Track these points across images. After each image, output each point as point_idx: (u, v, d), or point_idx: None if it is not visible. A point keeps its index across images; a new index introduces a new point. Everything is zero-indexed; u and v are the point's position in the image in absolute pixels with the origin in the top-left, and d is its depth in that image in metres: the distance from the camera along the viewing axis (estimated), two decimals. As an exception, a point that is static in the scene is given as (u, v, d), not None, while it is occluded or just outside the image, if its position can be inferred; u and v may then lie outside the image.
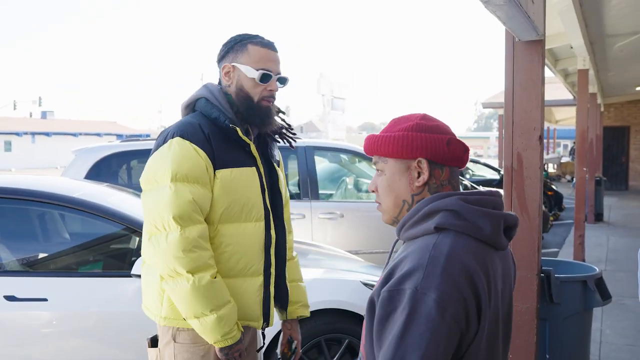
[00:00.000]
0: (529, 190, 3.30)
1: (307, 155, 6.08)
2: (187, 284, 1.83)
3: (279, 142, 2.26)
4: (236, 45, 2.07)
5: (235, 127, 1.99)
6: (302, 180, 6.02)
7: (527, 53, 3.26)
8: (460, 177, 9.49)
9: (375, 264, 4.97)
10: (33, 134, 48.17)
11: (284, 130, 2.23)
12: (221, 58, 2.11)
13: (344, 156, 6.89)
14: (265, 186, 2.08)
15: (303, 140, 6.28)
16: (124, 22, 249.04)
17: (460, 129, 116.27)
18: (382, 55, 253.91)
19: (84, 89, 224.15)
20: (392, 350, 1.20)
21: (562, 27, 6.97)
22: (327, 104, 39.46)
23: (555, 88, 21.48)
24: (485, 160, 15.31)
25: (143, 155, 6.19)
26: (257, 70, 2.04)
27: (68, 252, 3.63)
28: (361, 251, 5.98)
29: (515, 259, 3.32)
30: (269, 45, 2.09)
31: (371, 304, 1.31)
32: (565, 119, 30.70)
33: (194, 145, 1.90)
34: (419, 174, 1.39)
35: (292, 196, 6.13)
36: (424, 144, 1.37)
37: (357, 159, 6.75)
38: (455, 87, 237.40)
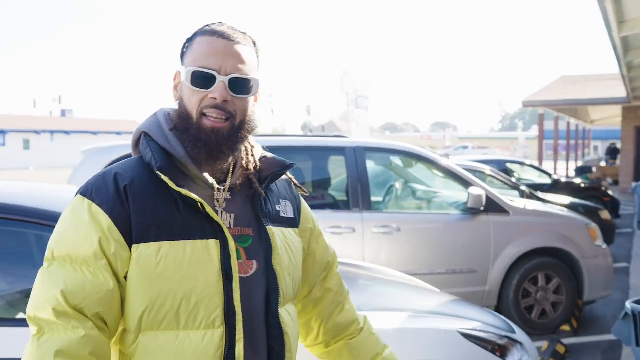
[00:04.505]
0: None
1: (357, 156, 5.09)
2: None
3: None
4: (186, 43, 1.36)
5: (161, 172, 1.27)
6: (352, 187, 5.03)
7: None
8: (513, 180, 8.27)
9: (440, 288, 4.00)
10: (52, 132, 47.82)
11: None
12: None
13: (395, 158, 5.90)
14: (233, 268, 1.28)
15: (352, 139, 5.31)
16: (144, 20, 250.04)
17: (484, 130, 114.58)
18: (404, 54, 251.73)
19: (104, 88, 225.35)
20: None
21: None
22: (351, 103, 38.41)
23: (594, 86, 20.42)
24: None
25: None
26: (191, 69, 1.30)
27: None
28: (421, 272, 5.01)
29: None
30: (218, 33, 1.32)
31: None
32: (600, 119, 29.39)
33: (96, 207, 1.25)
34: None
35: (340, 205, 5.18)
36: None
37: (413, 162, 5.73)
38: (478, 87, 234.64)
